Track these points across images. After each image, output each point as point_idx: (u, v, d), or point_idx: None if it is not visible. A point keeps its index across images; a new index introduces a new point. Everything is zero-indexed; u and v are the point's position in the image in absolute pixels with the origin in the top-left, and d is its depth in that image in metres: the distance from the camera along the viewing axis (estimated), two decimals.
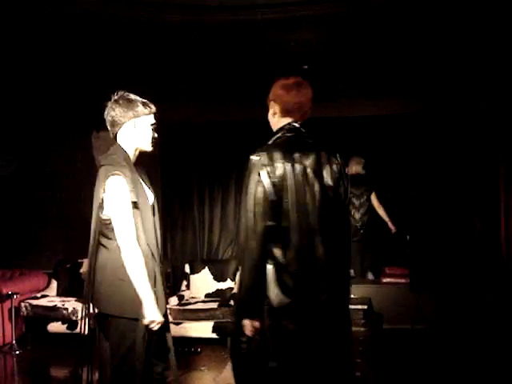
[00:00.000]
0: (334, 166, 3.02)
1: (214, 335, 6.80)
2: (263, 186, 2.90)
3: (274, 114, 3.18)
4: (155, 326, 3.21)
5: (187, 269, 7.71)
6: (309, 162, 2.98)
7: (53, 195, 8.47)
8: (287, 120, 3.14)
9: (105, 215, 3.23)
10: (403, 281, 7.56)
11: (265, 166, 2.93)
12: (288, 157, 2.95)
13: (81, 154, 8.29)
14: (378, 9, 5.62)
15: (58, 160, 8.41)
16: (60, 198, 8.45)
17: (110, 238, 3.24)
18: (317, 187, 2.95)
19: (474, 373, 5.83)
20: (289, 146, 3.02)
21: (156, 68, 7.27)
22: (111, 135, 3.51)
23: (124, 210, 3.19)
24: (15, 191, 8.45)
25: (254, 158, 2.96)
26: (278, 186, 2.91)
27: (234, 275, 7.52)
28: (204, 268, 7.66)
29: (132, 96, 3.43)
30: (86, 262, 7.71)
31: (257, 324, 2.93)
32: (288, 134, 3.09)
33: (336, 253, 2.95)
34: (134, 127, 3.41)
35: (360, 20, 5.85)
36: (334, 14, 5.70)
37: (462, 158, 7.36)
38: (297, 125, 3.12)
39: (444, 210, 7.40)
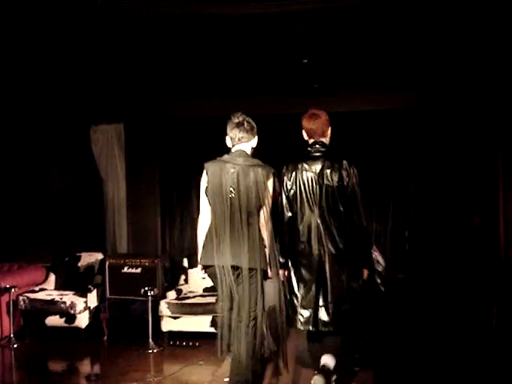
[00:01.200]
0: (334, 171, 4.52)
1: (213, 329, 6.79)
2: (283, 187, 4.61)
3: (305, 136, 4.76)
4: None
5: (185, 263, 7.69)
6: (315, 169, 4.55)
7: (51, 189, 8.47)
8: (311, 140, 4.71)
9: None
10: (401, 276, 7.57)
11: (284, 173, 4.63)
12: (300, 167, 4.58)
13: (79, 148, 8.28)
14: (378, 3, 5.61)
15: (55, 153, 8.40)
16: (58, 192, 8.43)
17: (254, 216, 4.38)
18: (319, 185, 4.52)
19: (473, 372, 5.83)
20: (303, 158, 4.63)
21: (156, 63, 7.24)
22: (239, 145, 4.65)
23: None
24: (13, 185, 8.44)
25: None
26: (291, 187, 4.60)
27: None
28: None
29: None
30: (83, 254, 7.79)
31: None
32: (308, 149, 4.67)
33: (331, 225, 4.51)
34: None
35: (360, 14, 5.84)
36: (333, 8, 5.68)
37: (461, 154, 7.33)
38: (317, 144, 4.66)
39: (443, 206, 7.38)
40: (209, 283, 7.42)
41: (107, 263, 7.35)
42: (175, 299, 7.02)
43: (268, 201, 4.41)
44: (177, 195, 8.12)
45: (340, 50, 6.69)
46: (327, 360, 4.55)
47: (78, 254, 7.85)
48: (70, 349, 6.81)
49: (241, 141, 4.61)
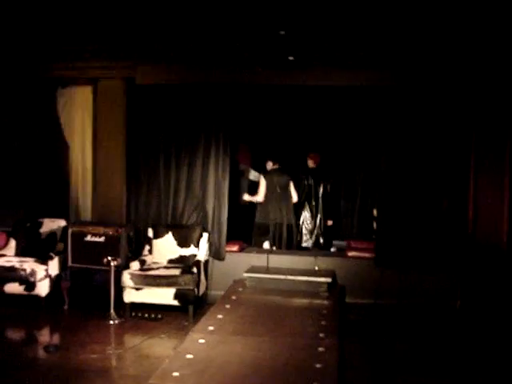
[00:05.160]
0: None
1: (176, 302, 6.71)
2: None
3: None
4: None
5: (150, 233, 7.57)
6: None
7: (14, 152, 8.22)
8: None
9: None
10: (368, 255, 7.56)
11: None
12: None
13: (45, 111, 8.03)
14: None
15: (20, 116, 8.15)
16: (22, 155, 8.20)
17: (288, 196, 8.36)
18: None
19: (432, 350, 5.88)
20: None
21: (126, 27, 7.01)
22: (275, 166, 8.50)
23: None
24: None
25: None
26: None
27: (198, 242, 7.42)
28: (167, 233, 7.54)
29: None
30: (46, 220, 7.61)
31: None
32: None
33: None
34: None
35: None
36: None
37: (433, 135, 7.28)
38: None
39: (413, 186, 7.34)
40: (173, 254, 7.40)
41: (70, 231, 7.19)
42: (139, 270, 6.90)
43: (292, 189, 8.37)
44: (143, 164, 7.90)
45: (318, 23, 6.56)
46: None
47: (40, 220, 7.67)
48: (29, 317, 6.67)
49: (275, 165, 8.46)
